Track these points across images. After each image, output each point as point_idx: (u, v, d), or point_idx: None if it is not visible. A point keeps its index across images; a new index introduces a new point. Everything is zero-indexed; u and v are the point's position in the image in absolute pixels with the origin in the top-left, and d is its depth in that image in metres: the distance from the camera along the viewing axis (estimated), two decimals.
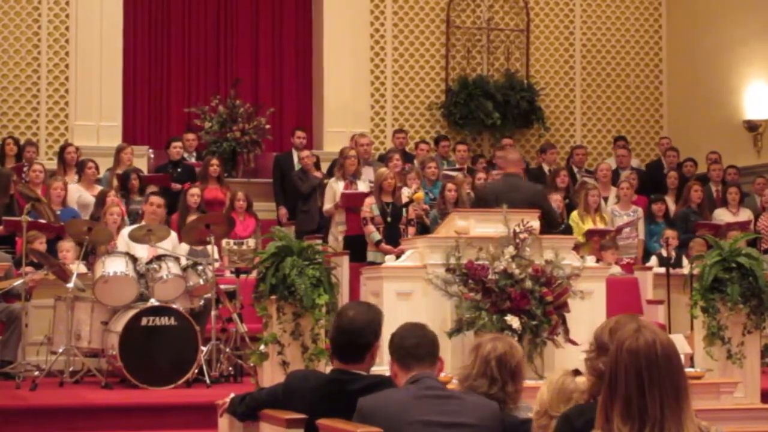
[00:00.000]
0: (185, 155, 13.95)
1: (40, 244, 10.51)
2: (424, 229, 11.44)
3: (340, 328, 4.77)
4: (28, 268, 10.04)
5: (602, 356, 3.80)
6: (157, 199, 10.63)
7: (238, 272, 10.47)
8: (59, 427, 8.00)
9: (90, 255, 10.63)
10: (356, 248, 11.42)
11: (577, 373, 4.13)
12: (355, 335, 4.66)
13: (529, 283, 8.09)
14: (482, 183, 11.21)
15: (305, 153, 13.58)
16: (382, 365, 4.95)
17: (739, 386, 7.81)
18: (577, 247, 9.58)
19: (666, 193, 13.94)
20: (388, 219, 11.32)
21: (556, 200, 12.35)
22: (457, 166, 14.07)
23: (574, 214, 12.66)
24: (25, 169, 12.54)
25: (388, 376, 4.74)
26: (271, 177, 14.18)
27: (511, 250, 8.13)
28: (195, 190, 12.35)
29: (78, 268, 9.88)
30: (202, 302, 10.01)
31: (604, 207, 13.13)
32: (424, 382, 4.30)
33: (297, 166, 13.79)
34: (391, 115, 15.80)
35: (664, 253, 12.07)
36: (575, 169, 14.57)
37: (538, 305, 8.10)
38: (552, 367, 8.14)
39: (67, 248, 10.62)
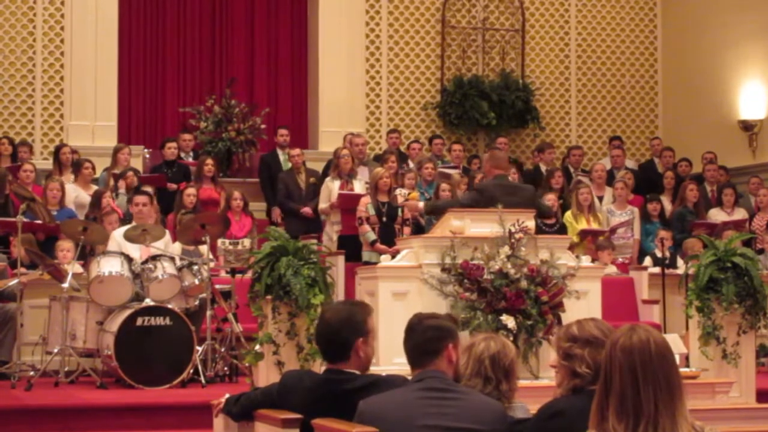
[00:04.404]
0: (182, 155, 13.96)
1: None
2: (419, 229, 11.45)
3: (317, 330, 4.81)
4: (23, 269, 10.03)
5: (577, 349, 3.94)
6: (141, 198, 10.52)
7: (233, 272, 10.47)
8: (54, 427, 8.00)
9: (89, 255, 10.61)
10: (351, 248, 11.42)
11: None
12: (332, 335, 4.65)
13: (524, 283, 8.09)
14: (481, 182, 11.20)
15: (296, 151, 13.55)
16: (378, 365, 4.94)
17: (734, 386, 7.81)
18: (571, 247, 9.58)
19: (661, 192, 13.95)
20: (384, 219, 11.33)
21: (550, 200, 12.38)
22: (452, 164, 14.08)
23: (568, 213, 12.69)
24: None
25: (384, 376, 4.73)
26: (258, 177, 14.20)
27: (506, 249, 8.13)
28: (191, 190, 12.36)
29: (73, 267, 9.86)
30: (197, 302, 10.02)
31: (599, 206, 13.15)
32: (427, 383, 4.24)
33: (284, 165, 13.78)
34: (387, 115, 15.80)
35: (658, 253, 12.08)
36: (572, 169, 14.58)
37: (534, 305, 8.11)
38: (547, 366, 8.15)
39: (68, 248, 10.58)
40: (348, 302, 5.14)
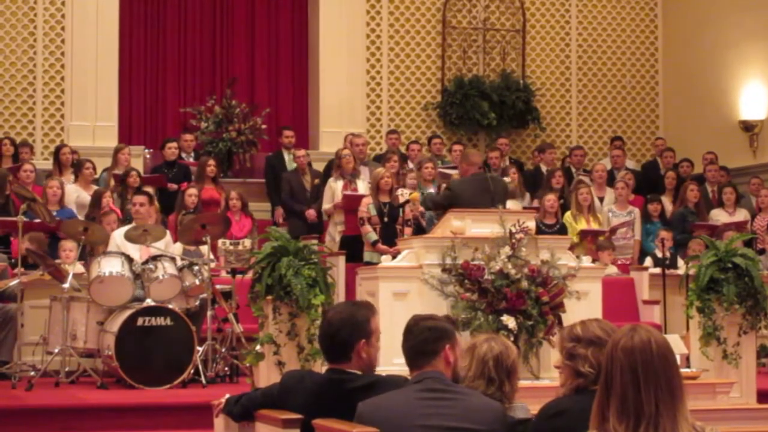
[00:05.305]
0: (183, 155, 13.97)
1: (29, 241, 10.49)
2: (420, 230, 11.44)
3: (320, 330, 4.83)
4: (23, 269, 10.01)
5: (580, 349, 3.94)
6: (140, 198, 10.53)
7: (233, 272, 10.47)
8: (55, 427, 8.00)
9: (90, 255, 10.60)
10: (354, 248, 11.42)
11: None
12: (331, 334, 4.65)
13: (525, 284, 8.10)
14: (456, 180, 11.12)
15: (301, 152, 13.57)
16: (378, 365, 4.92)
17: (735, 386, 7.82)
18: (571, 247, 9.59)
19: (663, 193, 13.95)
20: (385, 219, 11.32)
21: (550, 200, 12.39)
22: (452, 164, 14.08)
23: (568, 214, 12.68)
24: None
25: (385, 376, 4.73)
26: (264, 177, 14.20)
27: (507, 250, 8.14)
28: (192, 191, 12.37)
29: (75, 267, 9.86)
30: (198, 302, 10.02)
31: (599, 207, 13.14)
32: (426, 384, 4.23)
33: (289, 166, 13.79)
34: (387, 115, 15.80)
35: (658, 253, 12.07)
36: (573, 170, 14.58)
37: (534, 305, 8.12)
38: (548, 367, 8.16)
39: (70, 248, 10.57)
40: (352, 303, 5.13)
